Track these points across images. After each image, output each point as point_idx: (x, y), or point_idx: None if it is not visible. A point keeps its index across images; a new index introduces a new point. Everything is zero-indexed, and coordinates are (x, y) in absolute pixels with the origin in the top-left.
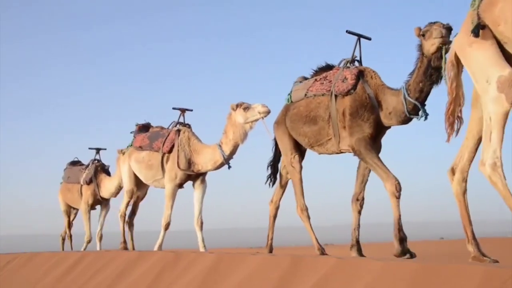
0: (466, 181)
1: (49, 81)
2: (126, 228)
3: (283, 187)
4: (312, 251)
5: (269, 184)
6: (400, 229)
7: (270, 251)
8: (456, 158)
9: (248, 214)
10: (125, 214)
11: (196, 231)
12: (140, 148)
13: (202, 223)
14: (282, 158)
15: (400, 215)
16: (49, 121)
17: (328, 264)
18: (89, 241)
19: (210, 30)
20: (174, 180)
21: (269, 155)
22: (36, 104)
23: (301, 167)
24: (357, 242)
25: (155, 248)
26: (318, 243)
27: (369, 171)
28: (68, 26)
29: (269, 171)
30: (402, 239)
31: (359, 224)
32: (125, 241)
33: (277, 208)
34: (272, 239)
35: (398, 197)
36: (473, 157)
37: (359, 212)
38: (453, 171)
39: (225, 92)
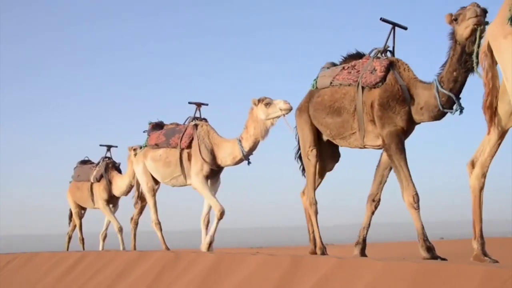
0: (485, 177)
1: (49, 81)
2: (131, 226)
3: (320, 177)
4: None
5: (304, 176)
6: (425, 239)
7: (315, 245)
8: (476, 151)
9: (248, 214)
10: (159, 222)
11: (202, 229)
12: (156, 145)
13: (209, 222)
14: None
15: (422, 225)
16: (49, 121)
17: (328, 264)
18: (120, 229)
19: (215, 28)
20: (201, 171)
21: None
22: (36, 104)
23: (317, 161)
24: (364, 240)
25: (208, 239)
26: (321, 242)
27: (389, 171)
28: (68, 26)
29: (300, 163)
30: (429, 248)
31: (369, 224)
32: (167, 247)
33: None
34: (313, 232)
35: (416, 208)
36: (495, 152)
37: (373, 213)
38: (473, 165)
39: (229, 89)
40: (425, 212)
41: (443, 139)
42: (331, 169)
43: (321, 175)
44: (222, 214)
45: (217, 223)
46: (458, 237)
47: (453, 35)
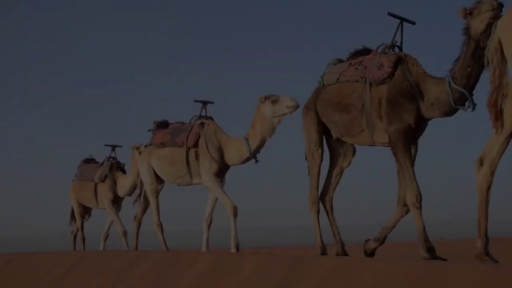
0: (493, 175)
1: (51, 80)
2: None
3: (336, 177)
4: (312, 251)
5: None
6: (426, 239)
7: (343, 247)
8: (485, 149)
9: (248, 214)
10: (161, 223)
11: (203, 229)
12: (162, 144)
13: (211, 222)
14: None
15: (424, 226)
16: (49, 121)
17: (329, 264)
18: (124, 233)
19: (219, 24)
20: (210, 169)
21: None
22: (37, 103)
23: (321, 160)
24: (384, 239)
25: (233, 242)
26: (322, 241)
27: None
28: (70, 24)
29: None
30: (430, 249)
31: (394, 226)
32: (168, 249)
33: (330, 201)
34: (339, 234)
35: (418, 208)
36: (504, 150)
37: (402, 217)
38: (481, 162)
39: (235, 87)
40: (425, 212)
41: (440, 136)
42: (347, 166)
43: (338, 173)
44: (235, 210)
45: (234, 221)
46: (458, 237)
47: (467, 30)
